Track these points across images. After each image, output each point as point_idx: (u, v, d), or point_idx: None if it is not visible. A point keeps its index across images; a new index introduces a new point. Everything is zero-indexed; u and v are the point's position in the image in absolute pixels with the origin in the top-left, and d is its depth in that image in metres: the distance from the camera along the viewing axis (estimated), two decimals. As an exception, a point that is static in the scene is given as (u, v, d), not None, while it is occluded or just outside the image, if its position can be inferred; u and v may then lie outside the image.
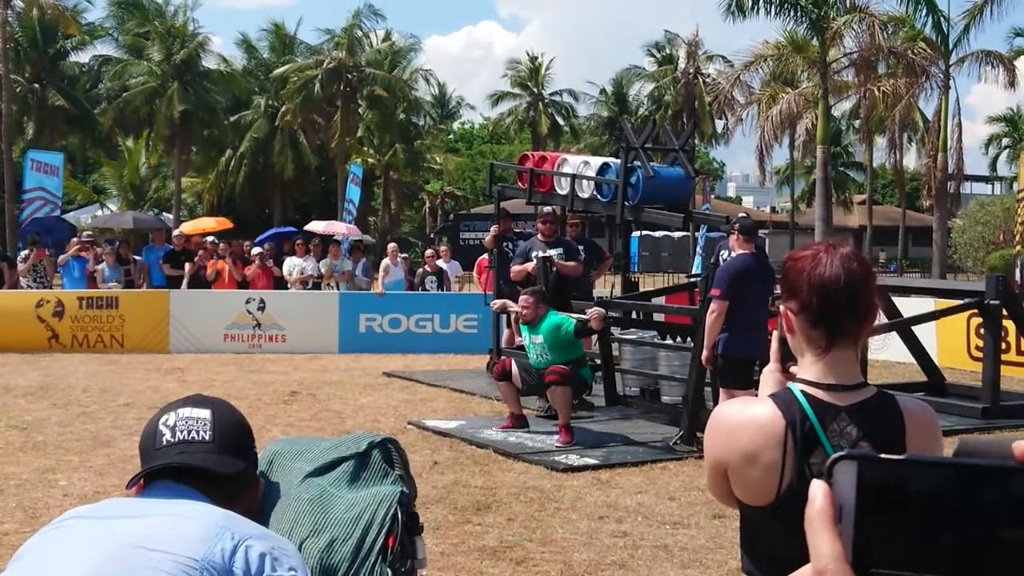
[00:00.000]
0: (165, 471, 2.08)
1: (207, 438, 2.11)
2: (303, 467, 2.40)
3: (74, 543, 1.94)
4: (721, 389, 9.09)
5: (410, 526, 2.32)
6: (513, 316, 12.93)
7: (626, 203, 11.66)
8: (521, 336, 10.49)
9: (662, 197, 11.90)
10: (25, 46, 44.41)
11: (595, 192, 12.12)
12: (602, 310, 10.22)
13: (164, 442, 2.12)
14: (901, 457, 0.81)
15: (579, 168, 12.47)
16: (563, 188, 12.47)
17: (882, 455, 0.82)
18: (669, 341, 11.66)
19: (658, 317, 13.14)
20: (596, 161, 12.52)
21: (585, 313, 10.11)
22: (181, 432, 2.12)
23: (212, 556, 1.86)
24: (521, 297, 10.19)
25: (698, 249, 23.99)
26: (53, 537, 1.99)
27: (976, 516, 0.77)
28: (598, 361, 11.70)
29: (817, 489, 0.84)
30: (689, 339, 10.75)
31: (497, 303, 11.83)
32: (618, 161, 11.98)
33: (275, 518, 2.28)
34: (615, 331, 12.00)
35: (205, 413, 2.16)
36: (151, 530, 1.92)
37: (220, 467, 2.09)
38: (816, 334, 2.25)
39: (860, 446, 2.17)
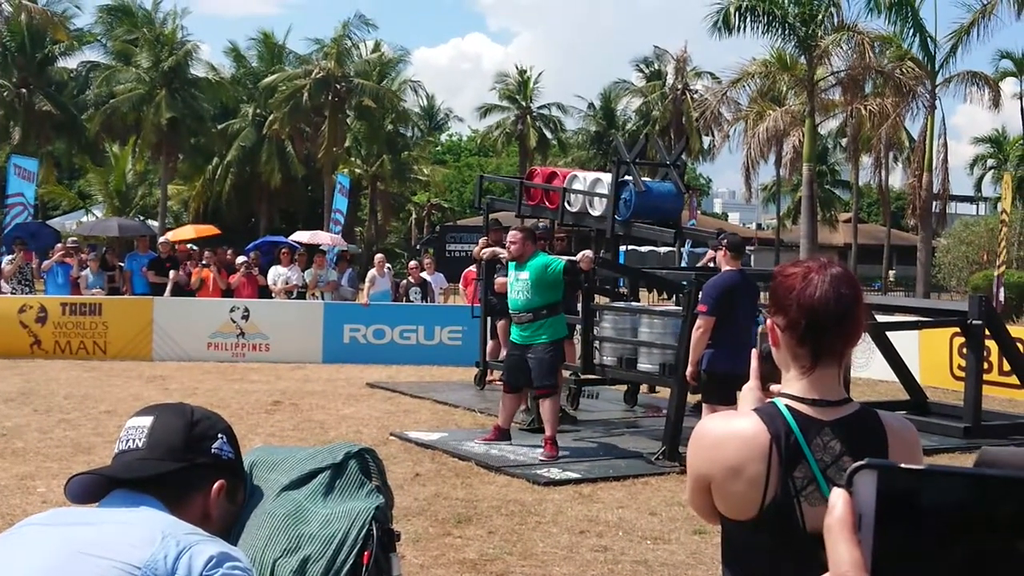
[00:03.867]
0: (114, 481, 2.12)
1: (139, 445, 2.16)
2: (279, 479, 2.38)
3: (24, 550, 1.95)
4: (704, 405, 9.09)
5: (385, 542, 2.30)
6: (500, 324, 12.93)
7: (616, 218, 11.67)
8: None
9: (654, 212, 11.91)
10: (13, 50, 44.35)
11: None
12: (591, 253, 10.33)
13: (115, 451, 2.19)
14: (921, 467, 0.81)
15: (591, 185, 12.47)
16: (573, 206, 12.48)
17: (902, 465, 0.82)
18: (656, 307, 11.51)
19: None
20: (607, 178, 12.50)
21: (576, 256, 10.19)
22: (121, 442, 2.19)
23: (155, 563, 1.87)
24: (511, 232, 10.18)
25: (683, 264, 24.04)
26: (4, 544, 1.99)
27: (994, 527, 0.77)
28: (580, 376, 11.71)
29: (837, 498, 0.84)
30: (675, 299, 10.69)
31: (487, 251, 11.83)
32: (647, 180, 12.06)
33: (249, 533, 2.26)
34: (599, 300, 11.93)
35: (146, 421, 2.20)
36: (98, 537, 1.93)
37: (127, 473, 2.10)
38: (802, 352, 2.26)
39: (843, 461, 2.18)
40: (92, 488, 2.11)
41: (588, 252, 10.45)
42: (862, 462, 0.83)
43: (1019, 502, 0.77)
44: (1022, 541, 0.77)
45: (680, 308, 10.33)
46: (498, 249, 11.43)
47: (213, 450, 2.20)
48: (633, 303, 12.22)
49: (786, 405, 2.25)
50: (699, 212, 40.66)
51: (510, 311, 10.21)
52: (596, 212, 12.22)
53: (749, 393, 2.36)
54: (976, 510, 0.78)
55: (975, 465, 0.82)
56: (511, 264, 10.15)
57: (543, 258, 9.90)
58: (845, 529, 0.82)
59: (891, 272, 52.12)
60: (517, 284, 9.91)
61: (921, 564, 0.79)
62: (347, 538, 2.26)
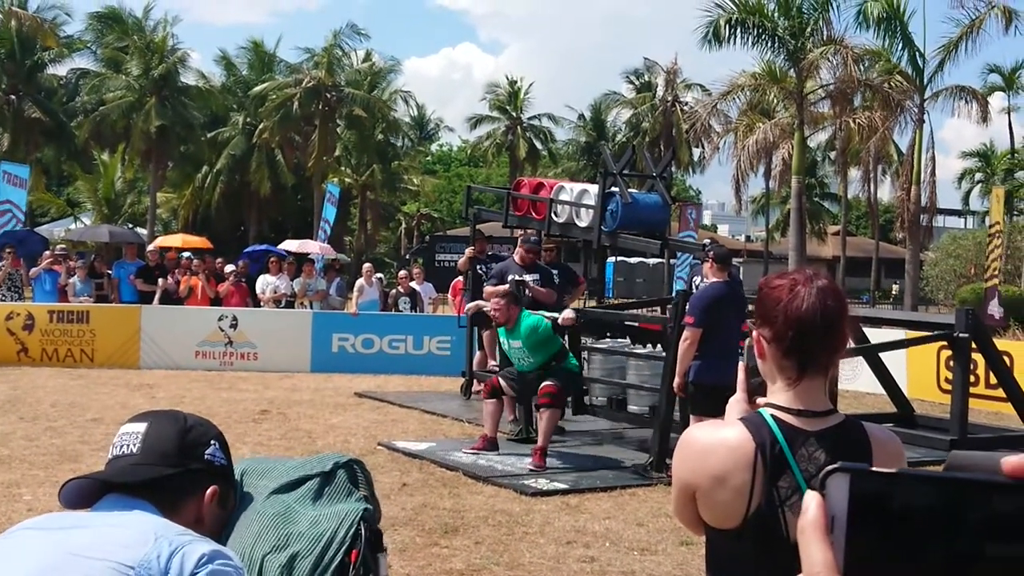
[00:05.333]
0: (109, 485, 2.13)
1: (134, 451, 2.18)
2: (269, 485, 2.40)
3: (17, 553, 1.96)
4: (691, 416, 9.10)
5: (373, 542, 2.32)
6: (486, 335, 12.94)
7: (603, 229, 11.70)
8: (494, 358, 10.48)
9: (640, 223, 11.94)
10: (2, 57, 44.27)
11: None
12: (573, 314, 10.39)
13: (109, 457, 2.20)
14: (893, 471, 0.82)
15: (578, 196, 12.49)
16: (560, 216, 12.50)
17: (874, 468, 0.83)
18: (639, 349, 11.64)
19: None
20: (594, 189, 12.53)
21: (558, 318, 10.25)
22: (115, 448, 2.20)
23: (148, 563, 1.88)
24: (492, 300, 10.20)
25: (680, 275, 24.06)
26: None
27: (963, 530, 0.78)
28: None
29: (811, 500, 0.85)
30: (659, 346, 10.77)
31: (472, 305, 11.88)
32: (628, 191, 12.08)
33: (239, 532, 2.28)
34: (586, 340, 12.00)
35: (140, 427, 2.22)
36: (91, 539, 1.95)
37: (121, 477, 2.12)
38: (788, 364, 2.28)
39: None
40: (86, 493, 2.12)
41: (569, 312, 10.51)
42: (834, 465, 0.84)
43: (987, 504, 0.79)
44: (991, 543, 0.78)
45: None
46: (482, 303, 11.44)
47: (206, 456, 2.22)
48: (619, 342, 12.23)
49: (772, 415, 2.27)
50: (693, 224, 40.38)
51: (518, 372, 10.22)
52: (583, 223, 12.25)
53: (736, 405, 2.38)
54: (946, 513, 0.79)
55: (944, 469, 0.84)
56: (500, 330, 10.19)
57: (529, 321, 9.87)
58: (818, 531, 0.84)
59: (895, 285, 52.14)
60: (515, 353, 10.03)
61: (893, 565, 0.80)
62: (335, 536, 2.28)
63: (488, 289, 12.04)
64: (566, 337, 11.07)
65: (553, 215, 12.58)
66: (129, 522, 2.01)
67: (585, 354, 11.68)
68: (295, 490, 2.39)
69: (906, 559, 0.80)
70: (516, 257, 12.10)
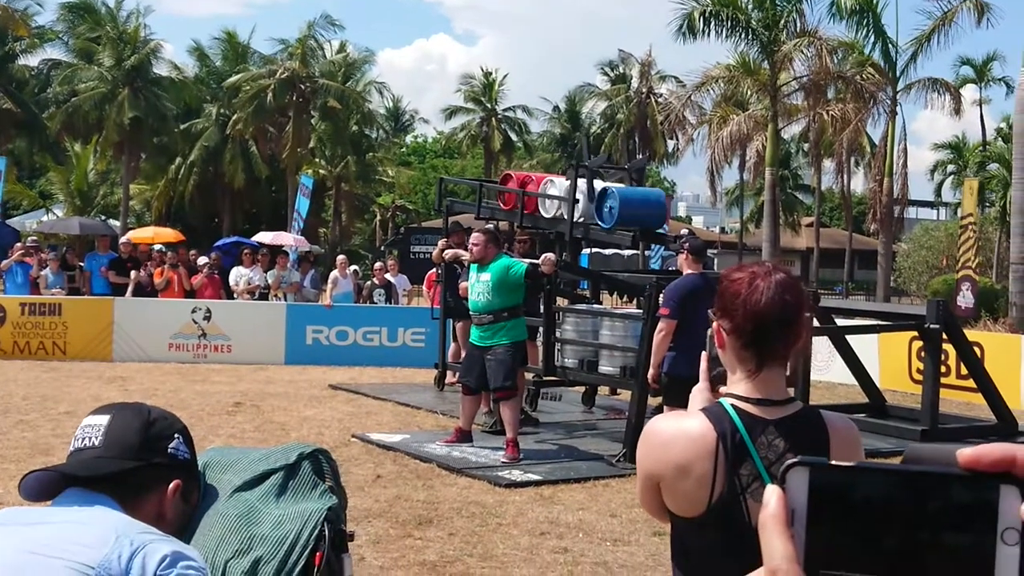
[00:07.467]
0: (70, 478, 2.11)
1: (96, 444, 2.16)
2: (232, 479, 2.39)
3: None
4: (665, 407, 9.13)
5: (337, 543, 2.32)
6: (459, 327, 12.92)
7: (601, 226, 11.63)
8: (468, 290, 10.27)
9: (639, 220, 11.82)
10: (-27, 48, 43.85)
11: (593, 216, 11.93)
12: (553, 256, 10.34)
13: (70, 449, 2.19)
14: (851, 464, 0.83)
15: (565, 191, 12.44)
16: (548, 212, 12.42)
17: (832, 462, 0.84)
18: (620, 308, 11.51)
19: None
20: (581, 183, 12.43)
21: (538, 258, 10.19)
22: (77, 440, 2.19)
23: (108, 563, 1.87)
24: (473, 234, 10.17)
25: (653, 266, 24.11)
26: None
27: (919, 521, 0.80)
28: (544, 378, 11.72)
29: (771, 494, 0.86)
30: (634, 302, 10.71)
31: (449, 252, 11.78)
32: (619, 186, 12.01)
33: (202, 534, 2.27)
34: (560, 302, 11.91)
35: (103, 419, 2.20)
36: (50, 537, 1.93)
37: (83, 471, 2.10)
38: (747, 355, 2.32)
39: (786, 458, 2.22)
40: (47, 485, 2.11)
41: (550, 255, 10.47)
42: (794, 459, 0.85)
43: (942, 496, 0.80)
44: (946, 533, 0.80)
45: (641, 311, 10.36)
46: (460, 251, 11.42)
47: (169, 450, 2.21)
48: (595, 306, 12.24)
49: (732, 405, 2.31)
50: (668, 216, 40.37)
51: (471, 312, 10.21)
52: (577, 215, 12.07)
53: (699, 394, 2.42)
54: (903, 504, 0.81)
55: (903, 461, 0.85)
56: (473, 266, 10.13)
57: (505, 260, 9.89)
58: (778, 524, 0.85)
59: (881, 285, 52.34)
60: (478, 286, 9.91)
61: (852, 557, 0.82)
62: (299, 539, 2.27)
63: (464, 284, 11.99)
64: (541, 297, 11.06)
65: (541, 211, 12.51)
66: (90, 519, 1.99)
67: (558, 316, 11.47)
68: (259, 486, 2.38)
69: (865, 550, 0.81)
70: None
